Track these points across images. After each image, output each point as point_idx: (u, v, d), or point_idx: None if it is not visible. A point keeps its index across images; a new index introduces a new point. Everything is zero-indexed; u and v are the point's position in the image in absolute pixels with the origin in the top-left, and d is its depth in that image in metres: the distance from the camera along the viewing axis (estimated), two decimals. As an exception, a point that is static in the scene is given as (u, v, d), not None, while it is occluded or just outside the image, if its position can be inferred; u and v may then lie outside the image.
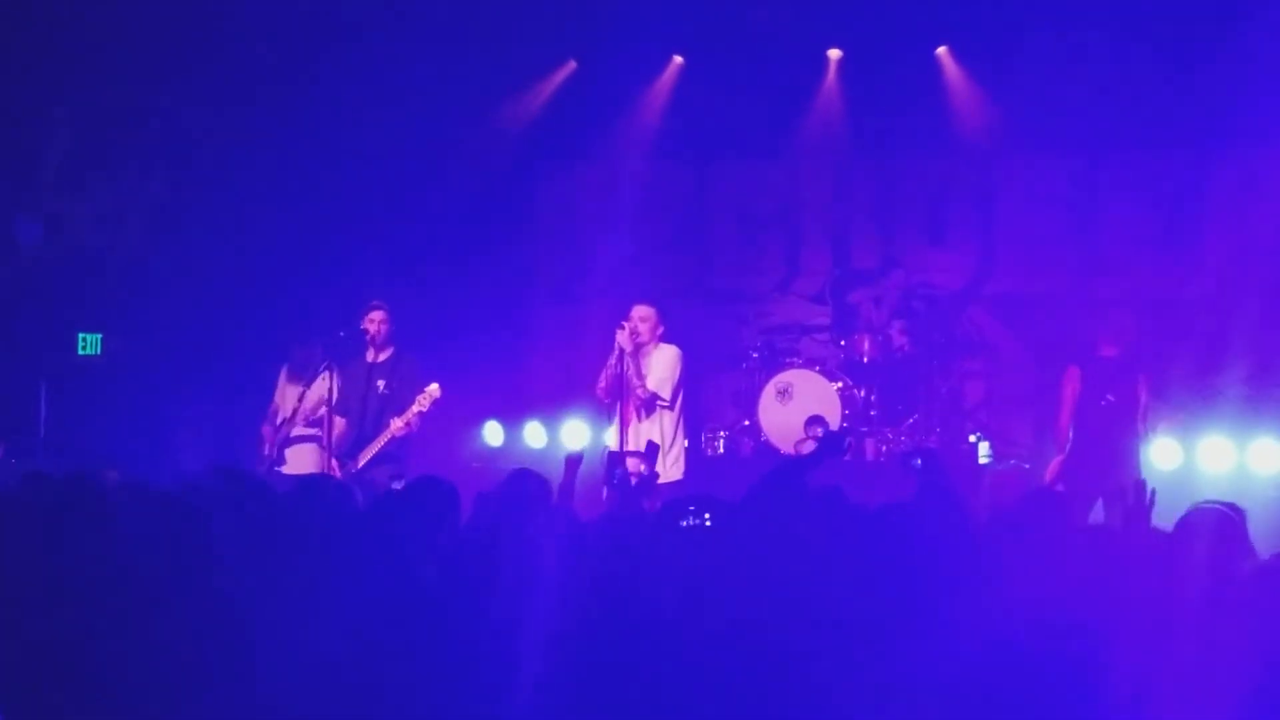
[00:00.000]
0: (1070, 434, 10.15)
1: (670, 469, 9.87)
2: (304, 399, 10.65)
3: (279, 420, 10.88)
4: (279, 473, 10.51)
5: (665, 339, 10.11)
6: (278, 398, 11.07)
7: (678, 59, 13.27)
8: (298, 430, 10.80)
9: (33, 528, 5.75)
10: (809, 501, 5.90)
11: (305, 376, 10.80)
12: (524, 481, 6.23)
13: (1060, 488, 9.85)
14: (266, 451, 10.81)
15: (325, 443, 10.29)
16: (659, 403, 9.89)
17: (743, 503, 5.95)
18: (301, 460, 10.83)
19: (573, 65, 13.39)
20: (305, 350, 10.96)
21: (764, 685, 4.53)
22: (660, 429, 9.90)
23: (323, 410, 10.47)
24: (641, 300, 10.18)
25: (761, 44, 12.72)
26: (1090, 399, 10.10)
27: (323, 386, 10.76)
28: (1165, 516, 5.69)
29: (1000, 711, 4.41)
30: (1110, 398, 10.06)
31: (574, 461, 7.63)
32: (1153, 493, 6.04)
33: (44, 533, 5.67)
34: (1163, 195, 12.46)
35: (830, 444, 7.14)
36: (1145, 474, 10.31)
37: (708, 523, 5.75)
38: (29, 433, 11.44)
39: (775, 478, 6.20)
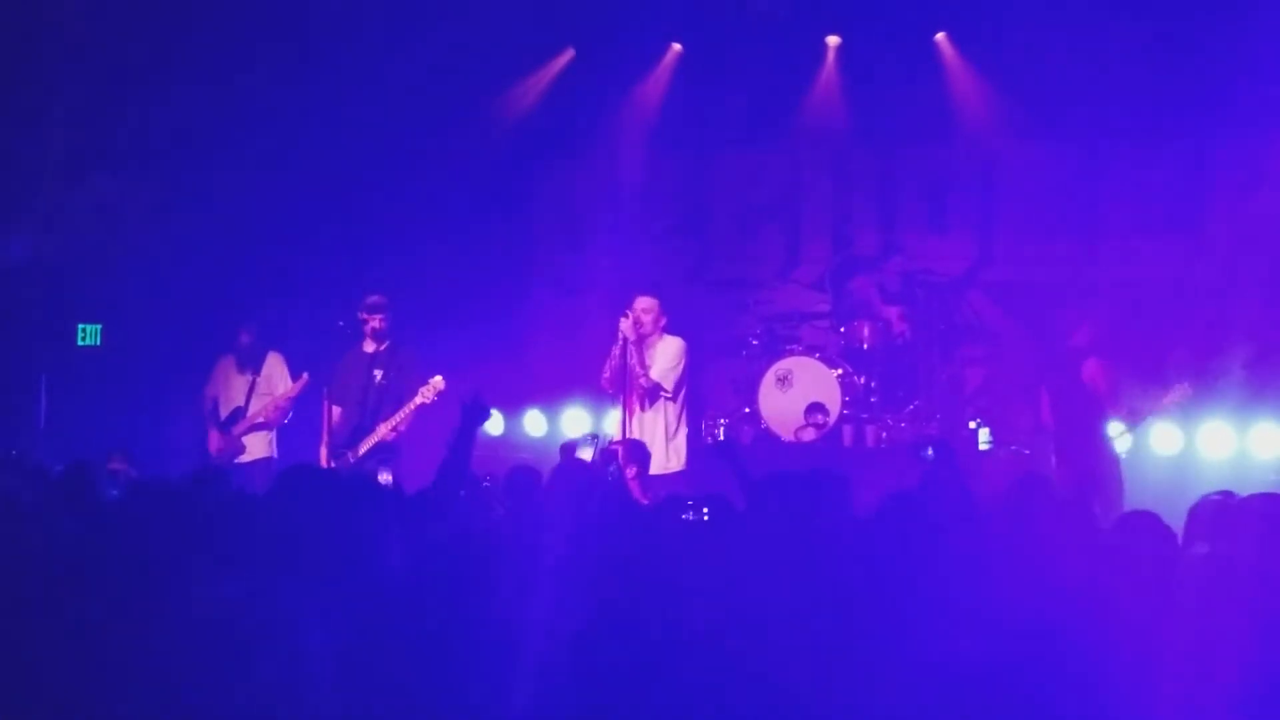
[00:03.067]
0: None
1: (671, 460, 9.87)
2: (257, 388, 10.74)
3: (230, 411, 10.88)
4: (237, 464, 10.55)
5: (667, 329, 10.10)
6: (217, 389, 11.03)
7: (676, 47, 13.25)
8: (259, 420, 10.82)
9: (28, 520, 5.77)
10: (814, 492, 5.91)
11: (253, 365, 10.85)
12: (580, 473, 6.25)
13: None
14: (224, 446, 10.79)
15: (323, 432, 10.30)
16: (661, 393, 9.87)
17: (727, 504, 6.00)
18: (256, 447, 10.88)
19: (571, 53, 13.36)
20: (249, 338, 10.96)
21: (768, 674, 4.53)
22: (664, 419, 9.88)
23: (270, 401, 10.58)
24: (643, 290, 10.17)
25: (760, 31, 12.71)
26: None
27: (284, 375, 10.81)
28: (1167, 500, 5.71)
29: (1003, 697, 4.42)
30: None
31: (569, 449, 7.71)
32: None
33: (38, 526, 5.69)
34: (1163, 181, 12.43)
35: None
36: (1145, 459, 10.41)
37: (705, 518, 5.78)
38: (29, 423, 11.45)
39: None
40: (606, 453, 8.89)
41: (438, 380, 10.01)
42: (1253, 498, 5.35)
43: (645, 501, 8.29)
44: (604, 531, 5.26)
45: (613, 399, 10.22)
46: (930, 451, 6.78)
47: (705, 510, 5.84)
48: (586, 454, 8.31)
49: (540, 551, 4.96)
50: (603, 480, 6.30)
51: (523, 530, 5.33)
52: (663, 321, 10.06)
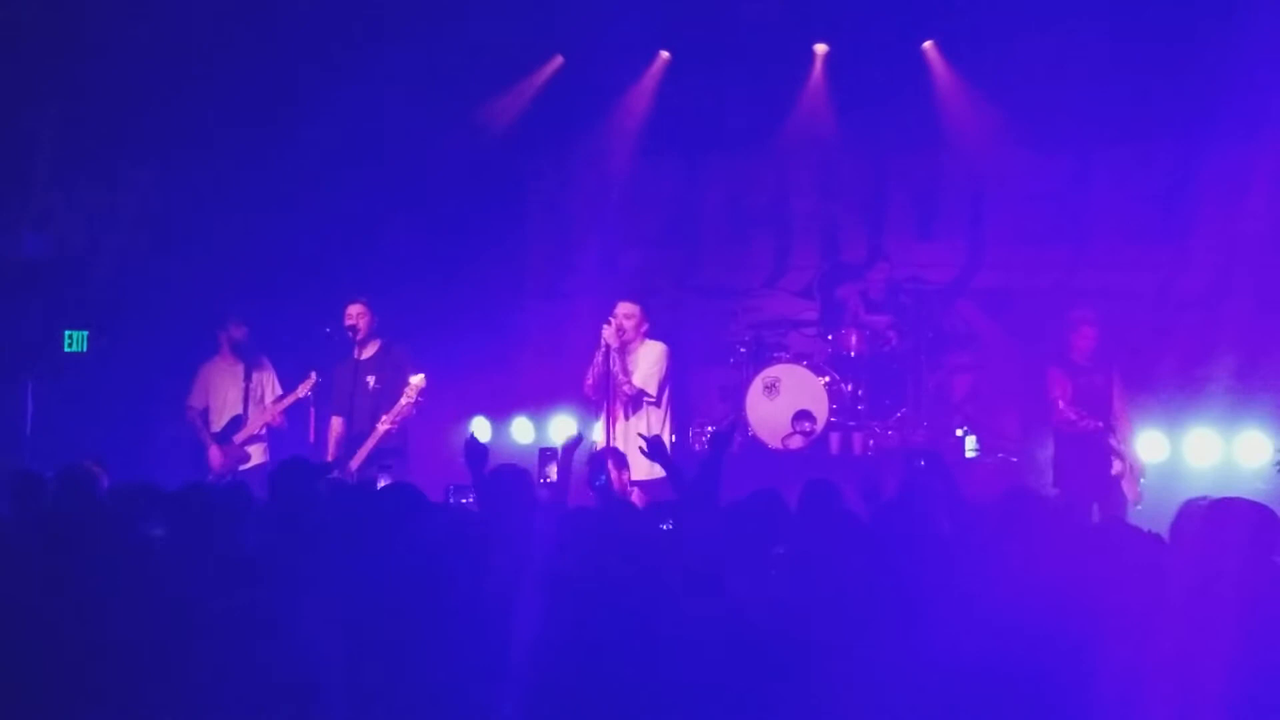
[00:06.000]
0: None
1: (655, 466, 9.84)
2: (250, 395, 10.72)
3: (229, 419, 10.83)
4: (241, 472, 10.52)
5: (652, 334, 10.10)
6: (205, 399, 10.97)
7: (664, 54, 13.25)
8: (255, 430, 10.79)
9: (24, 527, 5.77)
10: (803, 499, 5.92)
11: (247, 364, 10.85)
12: (506, 476, 6.25)
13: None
14: (227, 456, 10.75)
15: (313, 442, 10.28)
16: (645, 399, 9.87)
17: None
18: (254, 454, 10.86)
19: (559, 60, 13.36)
20: (242, 332, 10.93)
21: (754, 680, 4.53)
22: (648, 424, 9.87)
23: (280, 405, 10.58)
24: (625, 297, 10.17)
25: (748, 38, 12.70)
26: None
27: (273, 381, 10.80)
28: (1153, 507, 5.70)
29: (985, 708, 4.42)
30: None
31: (570, 448, 7.74)
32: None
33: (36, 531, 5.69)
34: (1151, 189, 12.46)
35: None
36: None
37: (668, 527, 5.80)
38: (15, 429, 11.43)
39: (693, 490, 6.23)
40: (596, 458, 8.86)
41: (419, 379, 9.97)
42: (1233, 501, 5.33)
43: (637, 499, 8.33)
44: (588, 539, 5.25)
45: (595, 406, 10.21)
46: (923, 463, 6.78)
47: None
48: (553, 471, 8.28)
49: (520, 558, 4.96)
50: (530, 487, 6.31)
51: (503, 536, 5.32)
52: (644, 327, 10.06)
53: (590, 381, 10.06)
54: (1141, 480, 9.99)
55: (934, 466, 6.67)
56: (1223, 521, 4.98)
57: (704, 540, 5.50)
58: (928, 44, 12.78)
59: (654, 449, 7.45)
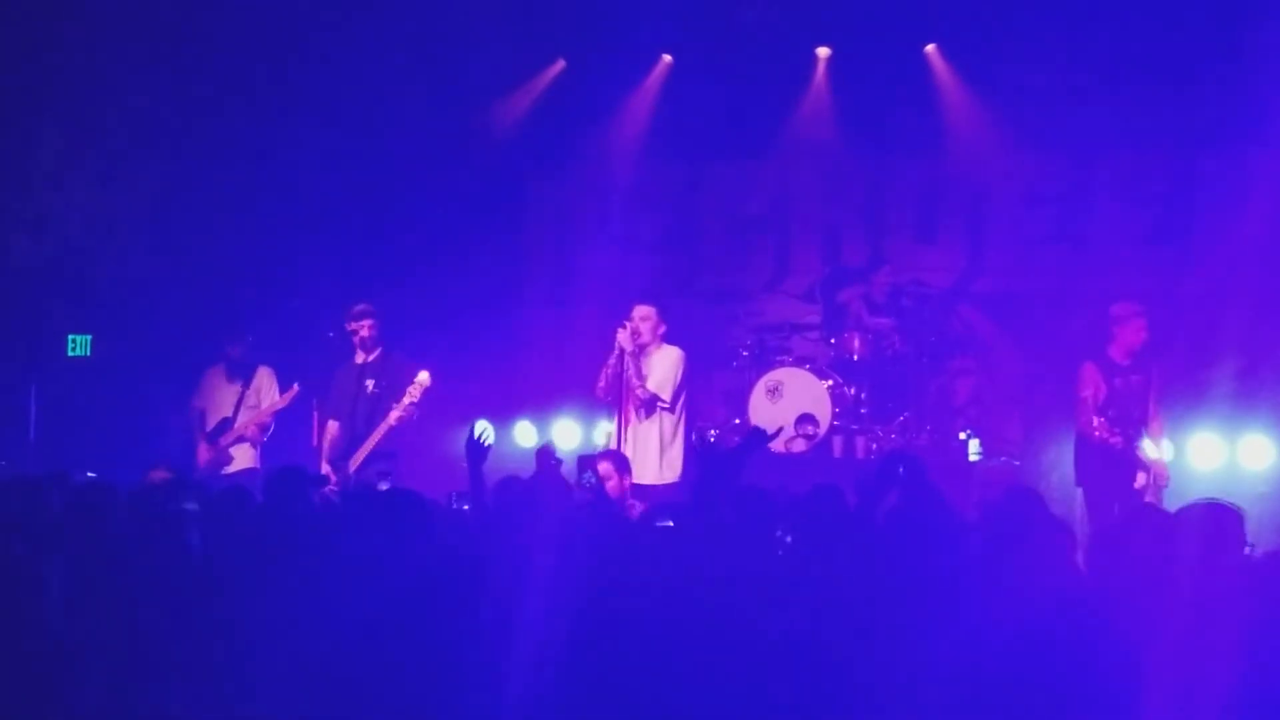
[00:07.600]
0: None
1: (665, 471, 9.83)
2: (245, 400, 10.74)
3: (217, 422, 10.86)
4: (223, 474, 10.53)
5: (666, 338, 10.06)
6: (205, 401, 11.01)
7: (667, 58, 13.26)
8: (242, 434, 10.80)
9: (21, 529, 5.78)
10: (805, 503, 5.92)
11: (242, 377, 10.85)
12: (514, 490, 6.26)
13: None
14: (211, 457, 10.78)
15: (316, 446, 10.28)
16: (659, 404, 9.83)
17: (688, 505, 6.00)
18: (241, 458, 10.86)
19: (561, 64, 13.38)
20: (238, 351, 10.95)
21: (753, 689, 4.54)
22: (660, 429, 9.85)
23: (255, 415, 10.61)
24: (639, 300, 10.15)
25: (750, 42, 12.72)
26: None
27: (272, 389, 10.81)
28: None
29: (982, 711, 4.43)
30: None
31: (546, 455, 7.75)
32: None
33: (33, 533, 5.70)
34: (1152, 193, 12.46)
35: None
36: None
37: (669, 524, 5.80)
38: (19, 433, 11.44)
39: (707, 478, 6.22)
40: (583, 460, 8.87)
41: (424, 376, 9.96)
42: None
43: (636, 511, 8.31)
44: (586, 542, 5.26)
45: (608, 409, 10.19)
46: (902, 469, 6.78)
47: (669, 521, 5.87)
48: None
49: (523, 563, 4.96)
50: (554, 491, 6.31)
51: (506, 542, 5.32)
52: (661, 330, 10.01)
53: (602, 384, 10.03)
54: (1165, 490, 9.81)
55: (912, 472, 6.67)
56: (1181, 525, 4.98)
57: (708, 538, 5.51)
58: (930, 47, 12.79)
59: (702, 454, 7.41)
